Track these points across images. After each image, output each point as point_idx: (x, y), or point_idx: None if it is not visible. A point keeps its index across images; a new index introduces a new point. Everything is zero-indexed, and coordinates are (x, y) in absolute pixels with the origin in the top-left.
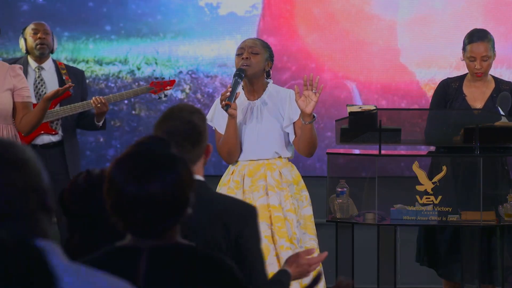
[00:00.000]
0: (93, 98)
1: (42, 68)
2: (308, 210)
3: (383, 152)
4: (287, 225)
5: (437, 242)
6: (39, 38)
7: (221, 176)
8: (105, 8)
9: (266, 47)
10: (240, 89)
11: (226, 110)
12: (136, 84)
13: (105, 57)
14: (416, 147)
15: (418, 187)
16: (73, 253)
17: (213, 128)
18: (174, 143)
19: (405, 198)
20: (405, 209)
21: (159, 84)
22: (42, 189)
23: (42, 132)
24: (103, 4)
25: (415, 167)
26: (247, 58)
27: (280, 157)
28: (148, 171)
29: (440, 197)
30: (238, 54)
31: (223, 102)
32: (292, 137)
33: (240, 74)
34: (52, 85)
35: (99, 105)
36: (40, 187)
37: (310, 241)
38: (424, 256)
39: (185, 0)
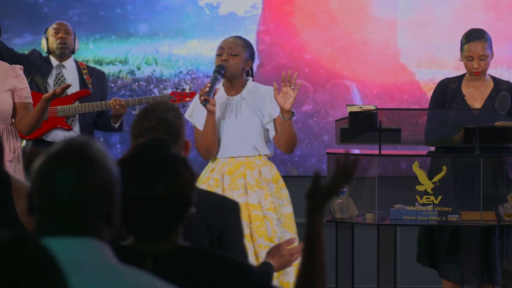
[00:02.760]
0: (112, 99)
1: (63, 66)
2: (288, 209)
3: (383, 152)
4: (266, 224)
5: (437, 242)
6: (60, 38)
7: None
8: (105, 8)
9: (247, 46)
10: (219, 85)
11: (204, 106)
12: (136, 84)
13: (105, 57)
14: (416, 147)
15: (418, 187)
16: None
17: (192, 124)
18: None
19: (405, 198)
20: (405, 209)
21: (179, 95)
22: (112, 197)
23: (57, 126)
24: (103, 4)
25: (415, 167)
26: (225, 59)
27: (259, 155)
28: (149, 173)
29: (440, 197)
30: (218, 54)
31: (202, 97)
32: (272, 134)
33: (219, 70)
34: (73, 83)
35: (117, 106)
36: (111, 194)
37: None
38: (425, 256)
39: (185, 0)
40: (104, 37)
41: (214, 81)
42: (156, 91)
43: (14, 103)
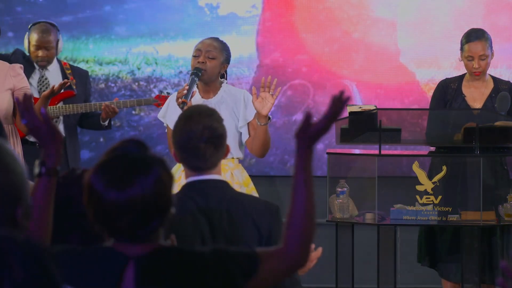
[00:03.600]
0: (104, 104)
1: (46, 68)
2: None
3: (383, 152)
4: None
5: (438, 242)
6: (40, 56)
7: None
8: (105, 8)
9: (224, 49)
10: (195, 88)
11: (182, 108)
12: (136, 84)
13: (105, 57)
14: (416, 147)
15: (418, 187)
16: None
17: (165, 125)
18: (197, 148)
19: (405, 198)
20: (405, 209)
21: (164, 98)
22: (17, 200)
23: None
24: (103, 4)
25: (415, 167)
26: (203, 62)
27: (232, 158)
28: (127, 176)
29: (440, 197)
30: (195, 56)
31: (179, 100)
32: (245, 137)
33: (197, 73)
34: (56, 84)
35: (109, 112)
36: (15, 196)
37: None
38: (425, 256)
39: (185, 0)
40: (104, 37)
41: (192, 84)
42: (156, 91)
43: (14, 102)
